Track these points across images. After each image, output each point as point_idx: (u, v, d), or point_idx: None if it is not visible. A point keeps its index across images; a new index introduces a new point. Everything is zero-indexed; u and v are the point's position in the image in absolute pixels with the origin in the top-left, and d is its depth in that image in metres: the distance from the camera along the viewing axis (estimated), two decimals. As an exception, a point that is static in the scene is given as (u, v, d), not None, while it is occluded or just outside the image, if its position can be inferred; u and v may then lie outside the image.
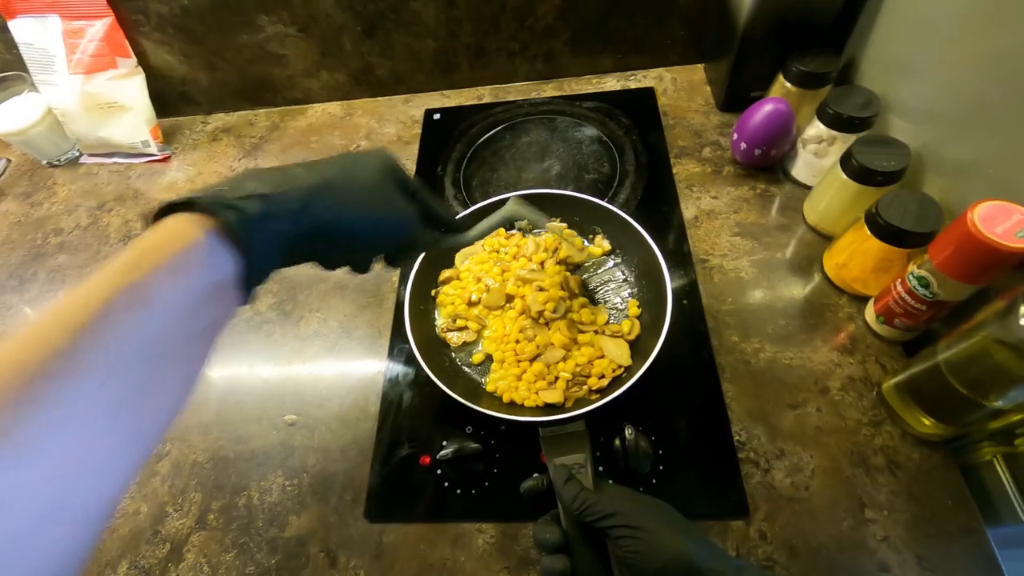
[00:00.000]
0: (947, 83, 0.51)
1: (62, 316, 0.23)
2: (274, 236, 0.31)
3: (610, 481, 0.42)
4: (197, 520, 0.52)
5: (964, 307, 0.46)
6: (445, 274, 0.61)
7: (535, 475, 0.45)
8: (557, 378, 0.52)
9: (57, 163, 0.88)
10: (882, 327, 0.52)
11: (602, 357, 0.53)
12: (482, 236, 0.46)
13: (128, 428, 0.24)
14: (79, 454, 0.21)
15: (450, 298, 0.58)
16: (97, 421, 0.22)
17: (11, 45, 0.78)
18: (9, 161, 0.90)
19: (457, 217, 0.59)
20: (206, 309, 0.28)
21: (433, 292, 0.59)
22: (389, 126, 0.83)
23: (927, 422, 0.46)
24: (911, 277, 0.46)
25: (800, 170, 0.64)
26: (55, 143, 0.85)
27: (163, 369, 0.26)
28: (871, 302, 0.53)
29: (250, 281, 0.30)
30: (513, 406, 0.51)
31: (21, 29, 0.77)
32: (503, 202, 0.61)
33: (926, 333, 0.50)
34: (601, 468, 0.49)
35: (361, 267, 0.39)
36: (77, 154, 0.88)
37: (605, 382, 0.51)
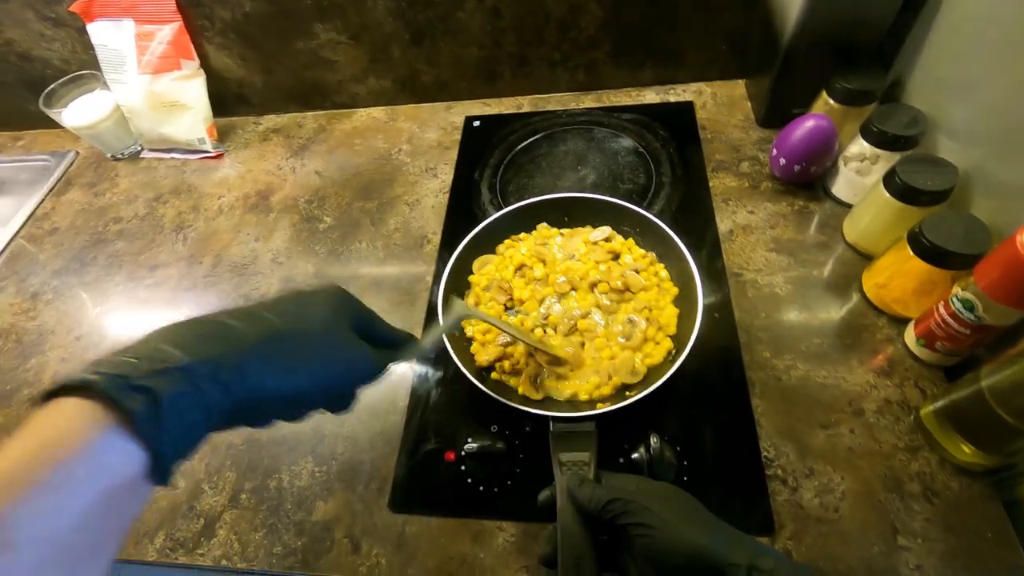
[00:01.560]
0: (1000, 104, 0.50)
1: None
2: (197, 413, 0.26)
3: (610, 473, 0.43)
4: (230, 499, 0.54)
5: (1011, 332, 0.44)
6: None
7: (552, 484, 0.45)
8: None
9: (120, 156, 0.93)
10: (923, 350, 0.50)
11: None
12: (433, 344, 0.45)
13: None
14: None
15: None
16: None
17: (88, 46, 0.85)
18: (78, 153, 0.96)
19: (482, 225, 0.60)
20: (103, 519, 0.23)
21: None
22: (430, 131, 0.85)
23: (967, 450, 0.44)
24: (955, 300, 0.45)
25: (841, 188, 0.63)
26: (120, 138, 0.91)
27: None
28: (911, 324, 0.52)
29: (163, 470, 0.25)
30: (536, 401, 0.51)
31: (98, 31, 0.83)
32: (537, 204, 0.62)
33: (970, 358, 0.49)
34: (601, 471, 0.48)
35: (299, 419, 0.34)
36: (139, 148, 0.94)
37: (660, 350, 0.52)
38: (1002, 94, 0.50)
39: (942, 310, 0.47)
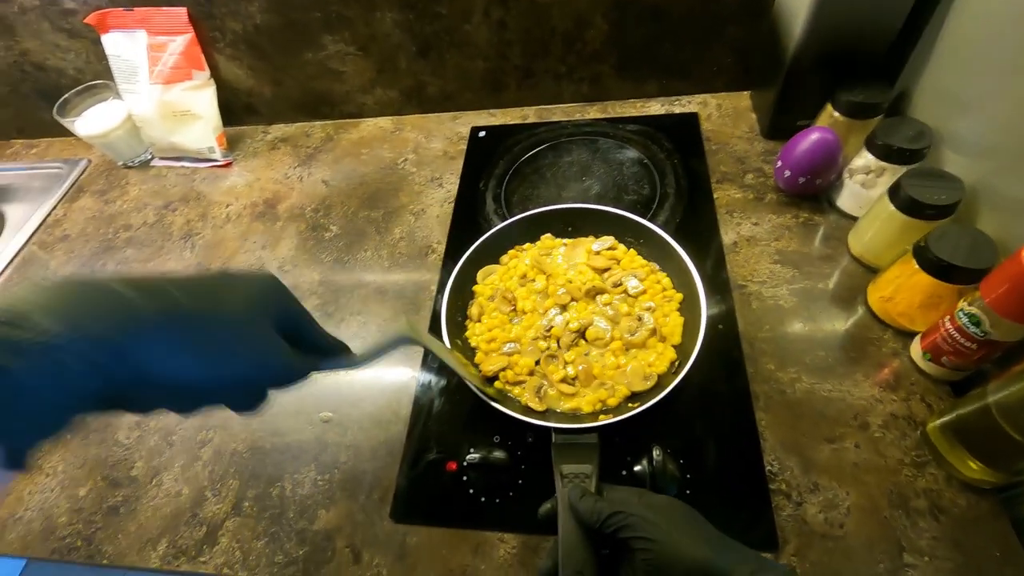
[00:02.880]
0: (1007, 118, 0.50)
1: None
2: (57, 394, 0.23)
3: (612, 486, 0.42)
4: (233, 506, 0.54)
5: (1019, 348, 0.44)
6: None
7: (553, 497, 0.45)
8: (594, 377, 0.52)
9: (131, 164, 0.95)
10: (929, 365, 0.50)
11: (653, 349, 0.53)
12: (371, 359, 0.40)
13: None
14: None
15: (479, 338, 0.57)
16: None
17: (101, 56, 0.86)
18: (90, 161, 0.98)
19: (487, 236, 0.60)
20: None
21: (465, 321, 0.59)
22: (436, 141, 0.86)
23: (975, 466, 0.44)
24: (961, 314, 0.45)
25: (846, 200, 0.63)
26: (131, 146, 0.92)
27: None
28: (917, 338, 0.51)
29: (18, 456, 0.23)
30: (539, 412, 0.51)
31: (112, 42, 0.84)
32: (541, 214, 0.62)
33: (977, 373, 0.48)
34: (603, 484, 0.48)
35: (192, 413, 0.30)
36: (150, 157, 0.95)
37: (659, 364, 0.52)
38: (1009, 109, 0.49)
39: (948, 324, 0.46)
